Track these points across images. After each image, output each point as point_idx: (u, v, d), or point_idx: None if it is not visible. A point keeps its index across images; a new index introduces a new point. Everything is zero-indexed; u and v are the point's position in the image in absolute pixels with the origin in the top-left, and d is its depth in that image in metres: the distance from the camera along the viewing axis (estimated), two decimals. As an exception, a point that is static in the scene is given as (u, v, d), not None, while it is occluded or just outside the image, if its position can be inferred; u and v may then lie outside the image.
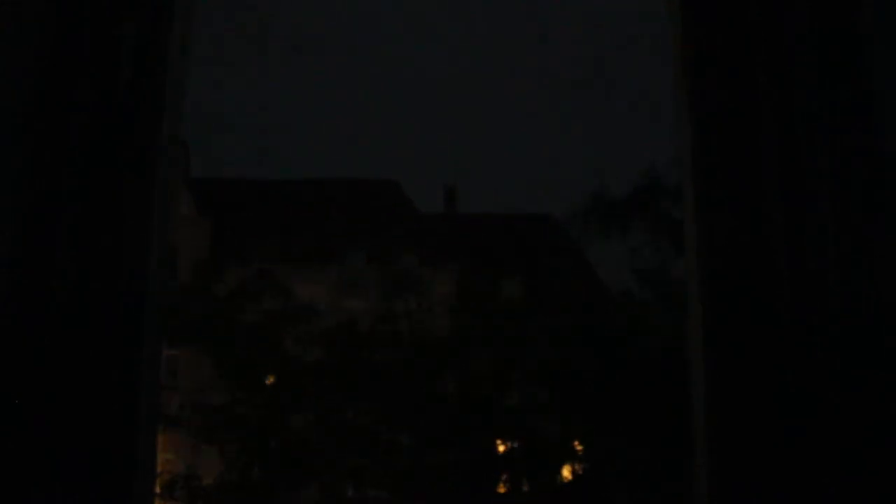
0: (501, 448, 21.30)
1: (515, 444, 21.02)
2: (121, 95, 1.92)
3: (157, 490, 20.03)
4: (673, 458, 17.08)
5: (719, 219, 1.90)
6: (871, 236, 1.85)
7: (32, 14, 1.90)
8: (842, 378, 1.80)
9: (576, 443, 21.00)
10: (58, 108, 1.91)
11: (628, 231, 20.07)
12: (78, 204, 1.89)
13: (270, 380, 22.22)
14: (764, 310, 1.87)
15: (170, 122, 1.99)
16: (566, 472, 21.36)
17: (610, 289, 24.71)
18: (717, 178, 1.90)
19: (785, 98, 1.91)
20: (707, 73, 1.95)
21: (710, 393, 1.90)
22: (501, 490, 21.30)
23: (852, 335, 1.80)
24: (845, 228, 1.85)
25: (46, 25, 1.90)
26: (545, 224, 33.38)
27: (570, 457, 21.21)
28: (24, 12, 1.90)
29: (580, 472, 21.06)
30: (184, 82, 2.07)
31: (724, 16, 1.95)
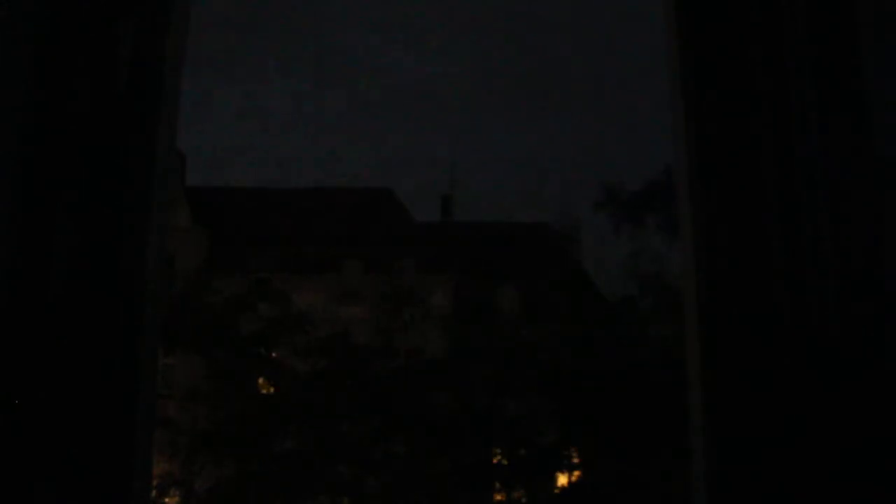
0: (498, 457, 21.31)
1: (512, 453, 21.03)
2: (118, 98, 1.92)
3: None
4: (671, 466, 17.09)
5: (716, 222, 1.91)
6: (869, 238, 1.85)
7: (27, 13, 1.90)
8: (843, 384, 1.80)
9: (573, 450, 21.02)
10: (53, 112, 1.91)
11: (639, 227, 20.15)
12: (74, 210, 1.89)
13: (265, 389, 22.23)
14: (762, 314, 1.87)
15: (168, 125, 1.99)
16: (563, 481, 21.38)
17: (607, 298, 24.75)
18: (715, 181, 1.91)
19: (782, 100, 1.92)
20: (703, 75, 1.96)
21: (708, 398, 1.90)
22: (498, 498, 21.31)
23: (853, 338, 1.81)
24: (843, 231, 1.85)
25: (42, 25, 1.90)
26: (542, 232, 33.40)
27: (567, 465, 21.23)
28: (19, 12, 1.90)
29: (577, 481, 21.07)
30: (180, 86, 2.07)
31: (719, 16, 1.95)
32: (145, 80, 1.95)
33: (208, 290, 22.78)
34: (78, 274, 1.88)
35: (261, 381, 22.37)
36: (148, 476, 1.92)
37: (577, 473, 21.11)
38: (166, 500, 21.15)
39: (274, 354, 22.41)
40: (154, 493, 19.86)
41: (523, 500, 21.28)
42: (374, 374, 21.12)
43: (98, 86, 1.93)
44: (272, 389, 22.05)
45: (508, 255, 32.32)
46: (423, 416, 20.18)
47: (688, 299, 1.98)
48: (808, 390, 1.81)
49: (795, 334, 1.83)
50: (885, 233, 1.85)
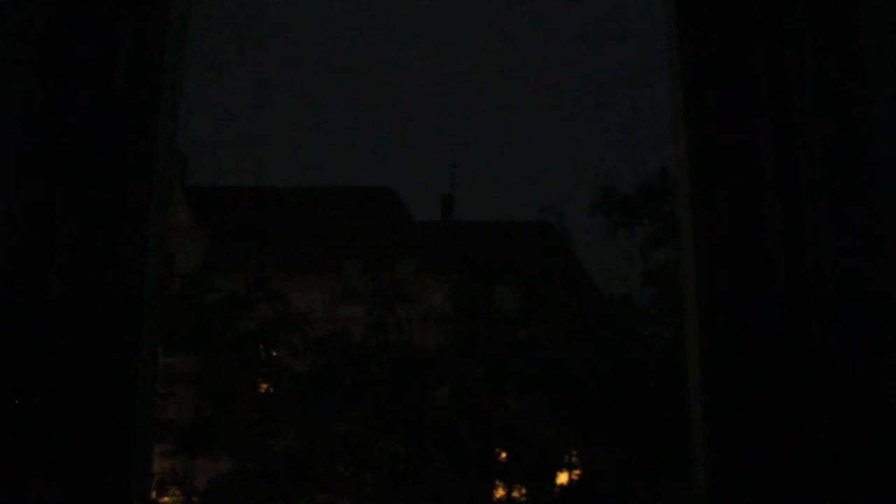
0: (497, 455, 21.31)
1: (511, 452, 21.03)
2: (118, 98, 1.92)
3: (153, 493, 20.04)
4: (671, 465, 17.10)
5: (717, 222, 1.91)
6: (869, 238, 1.85)
7: (27, 13, 1.90)
8: (843, 384, 1.80)
9: (572, 450, 21.03)
10: (52, 112, 1.91)
11: (636, 228, 20.18)
12: (73, 209, 1.89)
13: (264, 387, 22.24)
14: (762, 314, 1.88)
15: (167, 126, 2.00)
16: (563, 479, 21.38)
17: (606, 297, 24.74)
18: (715, 181, 1.91)
19: (782, 100, 1.92)
20: (703, 75, 1.96)
21: (708, 398, 1.90)
22: (497, 495, 21.31)
23: (853, 338, 1.81)
24: (843, 231, 1.86)
25: (42, 25, 1.90)
26: (542, 232, 33.38)
27: (567, 464, 21.24)
28: (19, 12, 1.90)
29: (576, 479, 21.08)
30: (180, 86, 2.07)
31: (719, 16, 1.96)
32: (145, 80, 1.95)
33: (208, 289, 22.76)
34: (78, 273, 1.88)
35: (260, 380, 22.36)
36: (148, 476, 1.93)
37: (577, 472, 21.11)
38: (166, 498, 21.16)
39: (274, 353, 22.41)
40: (154, 492, 19.86)
41: (523, 498, 21.28)
42: (374, 374, 21.11)
43: (98, 86, 1.93)
44: (271, 388, 22.04)
45: (508, 255, 32.27)
46: (423, 415, 20.17)
47: (688, 299, 1.98)
48: (808, 390, 1.81)
49: (795, 334, 1.84)
50: (885, 233, 1.85)
